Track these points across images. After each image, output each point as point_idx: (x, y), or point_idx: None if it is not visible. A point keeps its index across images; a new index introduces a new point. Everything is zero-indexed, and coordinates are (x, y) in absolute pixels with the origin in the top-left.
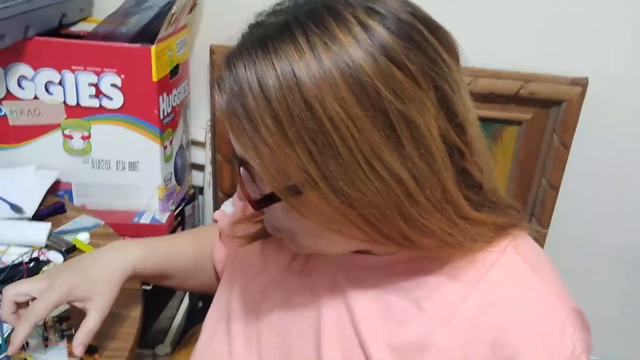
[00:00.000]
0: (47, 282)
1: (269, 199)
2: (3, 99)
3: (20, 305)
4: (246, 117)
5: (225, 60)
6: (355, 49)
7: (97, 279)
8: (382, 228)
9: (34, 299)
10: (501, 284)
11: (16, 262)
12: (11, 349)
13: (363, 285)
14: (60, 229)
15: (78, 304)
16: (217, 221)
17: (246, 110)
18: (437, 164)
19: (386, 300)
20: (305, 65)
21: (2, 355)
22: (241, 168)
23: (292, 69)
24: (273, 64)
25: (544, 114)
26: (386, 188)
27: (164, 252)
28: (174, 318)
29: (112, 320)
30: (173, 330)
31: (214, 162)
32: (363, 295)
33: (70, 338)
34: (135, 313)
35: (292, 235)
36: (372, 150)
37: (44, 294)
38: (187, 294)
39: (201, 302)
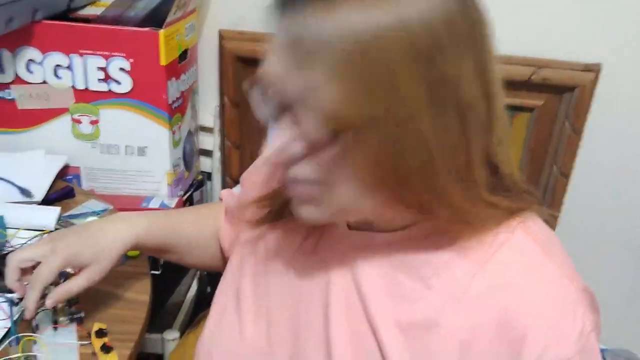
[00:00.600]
0: (49, 247)
1: (314, 146)
2: (12, 82)
3: (25, 272)
4: (308, 54)
5: None
6: (416, 4)
7: (99, 246)
8: (405, 190)
9: (38, 264)
10: (510, 265)
11: (25, 245)
12: (28, 313)
13: (372, 263)
14: (69, 213)
15: (76, 269)
16: (222, 199)
17: (309, 48)
18: (470, 132)
19: (395, 278)
20: (369, 12)
21: (12, 337)
22: (284, 116)
23: (358, 15)
24: (339, 8)
25: (556, 100)
26: (421, 147)
27: (167, 226)
28: (183, 303)
29: (121, 304)
30: (181, 315)
31: (222, 148)
32: (372, 274)
33: (79, 321)
34: (145, 297)
35: (316, 196)
36: (417, 107)
37: (48, 258)
38: (196, 279)
39: (210, 287)
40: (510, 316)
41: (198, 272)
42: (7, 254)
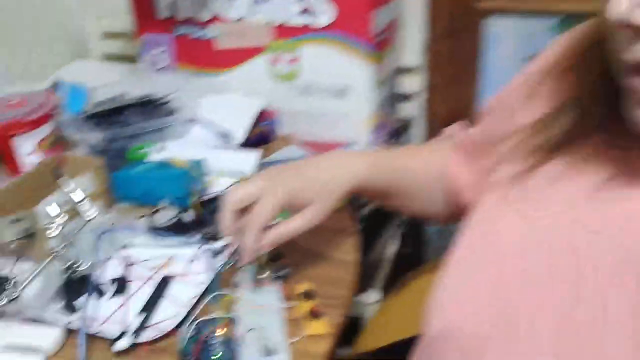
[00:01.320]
0: (268, 183)
1: None
2: (210, 21)
3: (241, 213)
4: None
5: None
6: None
7: (322, 182)
8: None
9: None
10: None
11: (237, 185)
12: (245, 259)
13: None
14: (267, 159)
15: (295, 208)
16: (448, 136)
17: None
18: None
19: None
20: None
21: (212, 295)
22: None
23: None
24: None
25: None
26: None
27: (394, 166)
28: (382, 262)
29: (327, 263)
30: (381, 276)
31: (428, 89)
32: None
33: (284, 278)
34: (352, 257)
35: None
36: None
37: (267, 196)
38: (398, 236)
39: (411, 247)
40: None
41: (400, 229)
42: (207, 200)
